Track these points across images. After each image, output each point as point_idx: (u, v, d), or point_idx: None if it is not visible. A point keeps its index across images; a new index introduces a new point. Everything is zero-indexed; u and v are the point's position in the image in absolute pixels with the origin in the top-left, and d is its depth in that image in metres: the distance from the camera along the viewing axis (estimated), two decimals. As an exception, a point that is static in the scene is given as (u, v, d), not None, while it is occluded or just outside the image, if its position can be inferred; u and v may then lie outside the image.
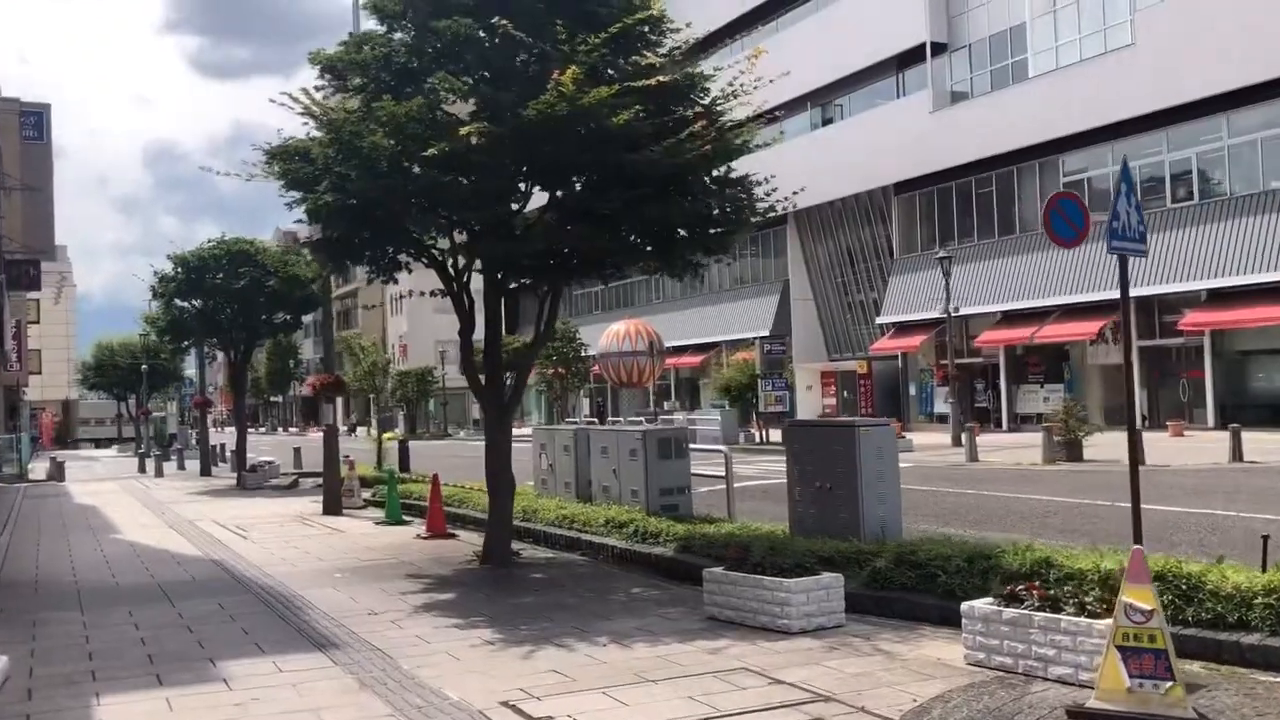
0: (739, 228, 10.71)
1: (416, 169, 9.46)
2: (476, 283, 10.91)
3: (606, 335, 27.06)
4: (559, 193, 10.00)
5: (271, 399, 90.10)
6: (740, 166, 10.42)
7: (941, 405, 36.90)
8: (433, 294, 11.09)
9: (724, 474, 14.01)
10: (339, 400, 17.60)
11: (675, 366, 46.62)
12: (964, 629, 6.15)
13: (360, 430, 59.48)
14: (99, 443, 69.44)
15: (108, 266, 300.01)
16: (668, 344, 27.94)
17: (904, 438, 31.32)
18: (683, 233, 10.32)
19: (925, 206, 38.08)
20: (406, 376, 57.53)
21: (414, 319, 72.42)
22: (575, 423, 46.14)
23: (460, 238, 10.47)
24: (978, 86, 36.01)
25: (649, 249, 10.30)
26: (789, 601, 7.01)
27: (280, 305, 24.00)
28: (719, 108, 10.11)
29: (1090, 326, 31.22)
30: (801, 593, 7.05)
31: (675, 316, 47.46)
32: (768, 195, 10.55)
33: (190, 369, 61.95)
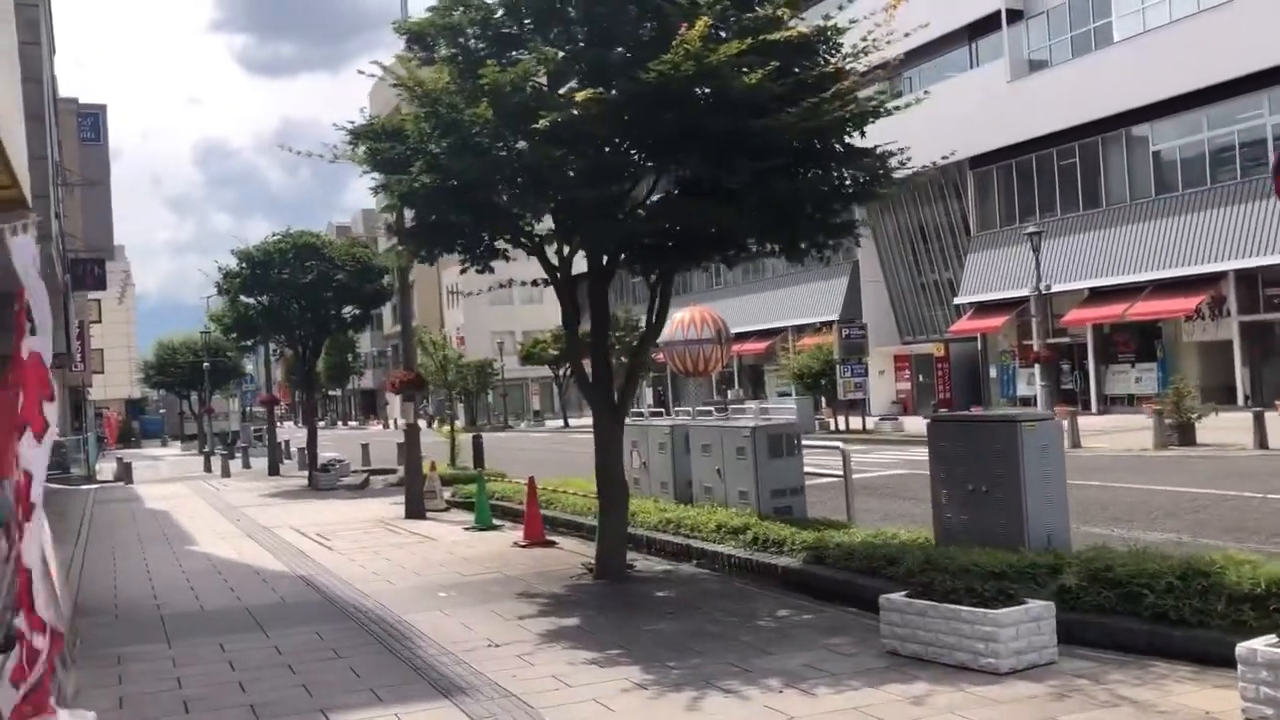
0: (872, 200, 9.66)
1: (520, 144, 8.50)
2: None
3: (671, 323, 25.90)
4: (673, 167, 8.91)
5: (330, 393, 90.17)
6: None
7: (1024, 388, 35.42)
8: (534, 284, 10.12)
9: (826, 471, 12.99)
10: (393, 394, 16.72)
11: (739, 354, 45.43)
12: (1241, 676, 5.03)
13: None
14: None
15: (162, 266, 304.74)
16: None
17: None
18: (808, 210, 9.26)
19: (1003, 180, 36.49)
20: (466, 369, 56.99)
21: (470, 311, 71.93)
22: (641, 414, 45.25)
23: (562, 221, 9.46)
24: (1057, 54, 34.33)
25: (773, 228, 9.21)
26: (996, 637, 5.92)
27: (349, 299, 23.18)
28: (848, 66, 9.02)
29: (1187, 302, 29.59)
30: (1010, 626, 5.96)
31: (736, 302, 46.17)
32: (902, 164, 9.46)
33: (250, 366, 61.89)
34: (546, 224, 9.74)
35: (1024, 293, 32.99)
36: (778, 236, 9.35)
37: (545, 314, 68.82)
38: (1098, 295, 32.66)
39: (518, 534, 12.84)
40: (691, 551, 10.89)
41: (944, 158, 9.54)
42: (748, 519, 10.84)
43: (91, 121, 35.23)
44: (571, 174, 8.21)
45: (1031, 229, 29.46)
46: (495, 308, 73.71)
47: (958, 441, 9.17)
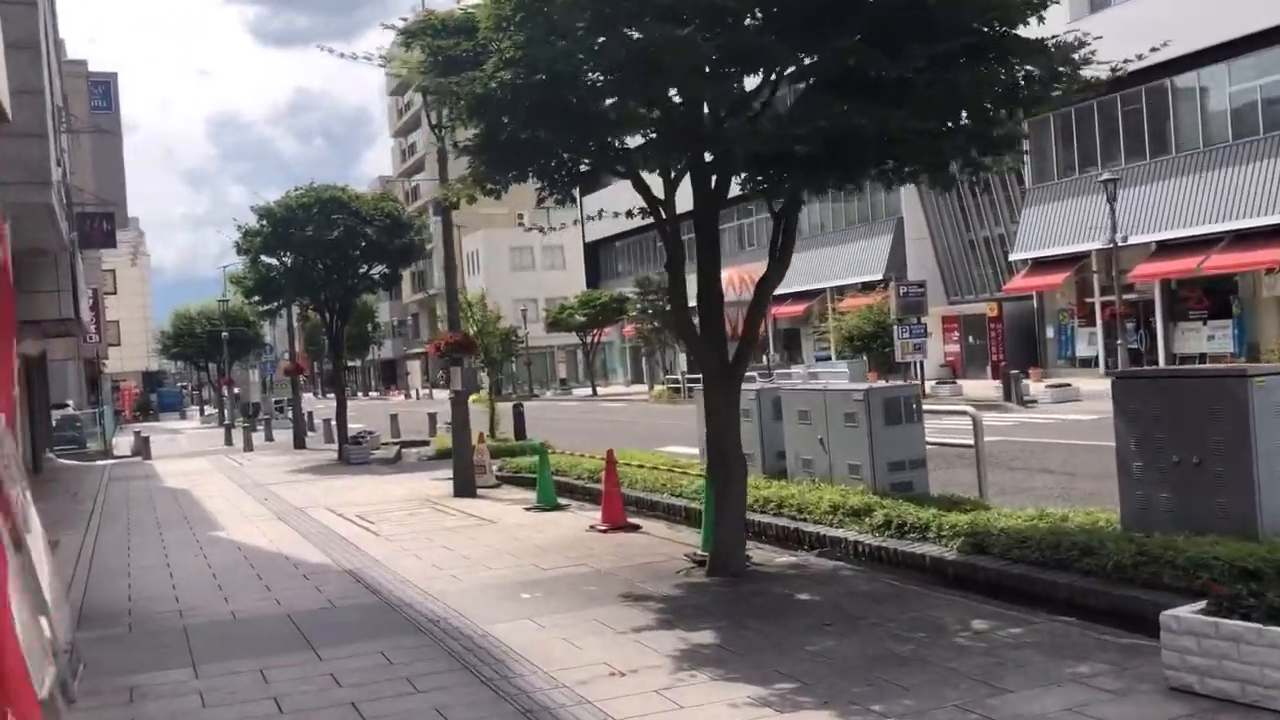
0: (1043, 106, 7.92)
1: (616, 34, 6.71)
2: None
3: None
4: (816, 55, 7.06)
5: (349, 364, 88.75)
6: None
7: (1084, 348, 33.53)
8: (629, 214, 8.34)
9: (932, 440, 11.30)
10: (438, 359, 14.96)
11: (774, 317, 43.63)
12: None
13: (436, 392, 57.54)
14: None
15: (178, 239, 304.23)
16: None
17: (1069, 385, 28.13)
18: (965, 118, 7.49)
19: (1061, 128, 34.36)
20: (493, 335, 55.41)
21: (491, 277, 70.12)
22: (677, 381, 43.50)
23: (669, 131, 7.64)
24: (1121, -10, 32.17)
25: (929, 138, 7.40)
26: (1369, 677, 4.17)
27: (377, 257, 21.32)
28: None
29: (1270, 254, 27.55)
30: (1387, 661, 4.21)
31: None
32: (1084, 61, 7.68)
33: (269, 335, 60.32)
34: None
35: (1085, 247, 31.05)
36: (930, 150, 7.55)
37: (568, 280, 67.02)
38: (1166, 249, 30.63)
39: (588, 515, 11.17)
40: (802, 537, 9.26)
41: (1153, 49, 7.74)
42: (866, 498, 9.25)
43: (103, 90, 33.79)
44: (699, 61, 6.40)
45: (1106, 176, 27.57)
46: (517, 274, 71.88)
47: (1160, 402, 7.41)
